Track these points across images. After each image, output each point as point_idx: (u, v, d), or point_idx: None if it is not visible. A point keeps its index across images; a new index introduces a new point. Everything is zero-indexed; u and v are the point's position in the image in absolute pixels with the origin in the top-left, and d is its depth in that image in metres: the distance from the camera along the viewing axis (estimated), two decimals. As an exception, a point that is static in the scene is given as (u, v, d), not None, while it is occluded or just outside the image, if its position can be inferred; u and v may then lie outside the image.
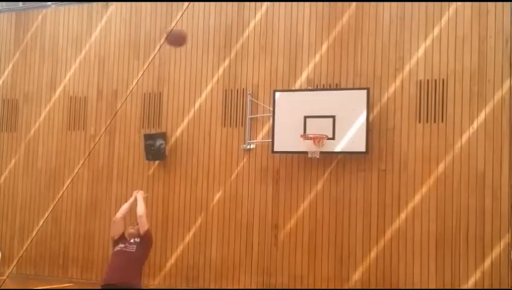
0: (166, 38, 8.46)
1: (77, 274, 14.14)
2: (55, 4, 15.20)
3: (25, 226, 14.83)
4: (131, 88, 13.77)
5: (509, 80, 11.10)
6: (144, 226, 7.61)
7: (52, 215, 14.31)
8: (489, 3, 11.34)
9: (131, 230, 7.67)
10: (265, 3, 13.01)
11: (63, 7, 15.07)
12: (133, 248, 7.45)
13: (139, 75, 13.63)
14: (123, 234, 7.76)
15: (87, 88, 14.55)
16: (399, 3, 11.99)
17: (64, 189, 14.16)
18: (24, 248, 14.66)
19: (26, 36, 15.39)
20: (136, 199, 7.91)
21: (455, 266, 11.13)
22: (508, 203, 10.90)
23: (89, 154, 13.65)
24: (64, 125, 14.72)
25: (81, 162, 14.26)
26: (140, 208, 7.70)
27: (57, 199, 14.28)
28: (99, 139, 13.79)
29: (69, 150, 14.58)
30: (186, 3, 13.50)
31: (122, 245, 7.50)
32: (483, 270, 10.93)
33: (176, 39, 8.65)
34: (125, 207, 7.91)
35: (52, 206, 14.42)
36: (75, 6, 14.91)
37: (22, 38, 15.44)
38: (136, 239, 7.59)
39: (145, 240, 7.61)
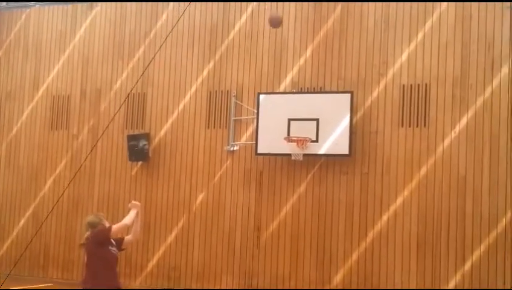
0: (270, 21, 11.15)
1: (57, 274, 14.05)
2: (39, 4, 15.12)
3: (5, 225, 14.72)
4: (126, 92, 13.73)
5: (491, 85, 11.23)
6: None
7: (33, 214, 14.22)
8: (472, 8, 11.47)
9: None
10: (251, 4, 13.05)
11: (47, 7, 15.00)
12: (117, 253, 7.43)
13: (135, 83, 13.46)
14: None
15: (71, 87, 14.49)
16: (383, 8, 12.09)
17: (64, 191, 14.07)
18: (4, 247, 14.57)
19: (10, 35, 15.30)
20: (137, 214, 7.68)
21: (436, 268, 11.23)
22: (488, 206, 11.02)
23: (84, 160, 13.60)
24: (46, 125, 14.65)
25: (63, 162, 14.21)
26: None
27: (37, 200, 14.24)
28: (94, 146, 13.72)
29: (51, 149, 14.50)
30: (174, 4, 13.55)
31: (116, 250, 7.39)
32: (463, 272, 11.03)
33: (276, 21, 11.22)
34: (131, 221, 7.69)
35: (33, 206, 14.36)
36: (59, 6, 14.85)
37: (5, 37, 15.35)
38: (112, 241, 7.52)
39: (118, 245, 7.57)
